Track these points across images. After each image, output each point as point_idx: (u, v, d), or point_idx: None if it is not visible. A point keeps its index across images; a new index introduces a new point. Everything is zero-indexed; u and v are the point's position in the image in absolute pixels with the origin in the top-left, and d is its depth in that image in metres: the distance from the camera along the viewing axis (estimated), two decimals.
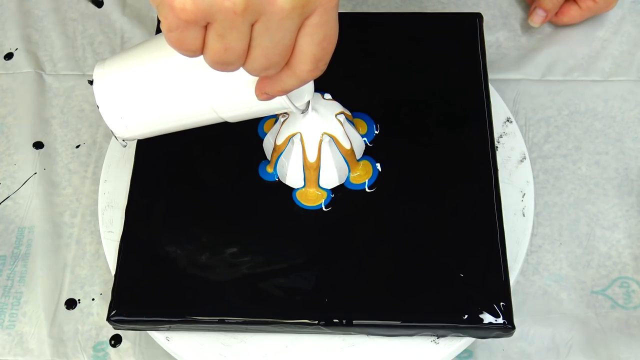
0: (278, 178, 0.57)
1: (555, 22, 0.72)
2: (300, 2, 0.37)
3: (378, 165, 0.57)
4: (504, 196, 0.56)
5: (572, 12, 0.70)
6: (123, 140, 0.49)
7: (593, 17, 0.72)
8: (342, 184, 0.57)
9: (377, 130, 0.59)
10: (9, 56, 0.74)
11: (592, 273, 0.60)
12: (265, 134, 0.58)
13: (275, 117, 0.57)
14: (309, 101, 0.52)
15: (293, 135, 0.54)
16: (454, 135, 0.58)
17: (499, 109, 0.62)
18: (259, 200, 0.57)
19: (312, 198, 0.56)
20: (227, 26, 0.37)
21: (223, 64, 0.39)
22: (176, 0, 0.36)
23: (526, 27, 0.73)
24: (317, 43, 0.39)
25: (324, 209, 0.56)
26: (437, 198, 0.56)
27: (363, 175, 0.57)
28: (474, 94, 0.60)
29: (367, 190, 0.56)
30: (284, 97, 0.44)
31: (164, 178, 0.58)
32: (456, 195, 0.56)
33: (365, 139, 0.58)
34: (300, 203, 0.56)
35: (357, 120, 0.58)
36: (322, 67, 0.41)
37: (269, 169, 0.57)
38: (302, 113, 0.50)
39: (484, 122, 0.58)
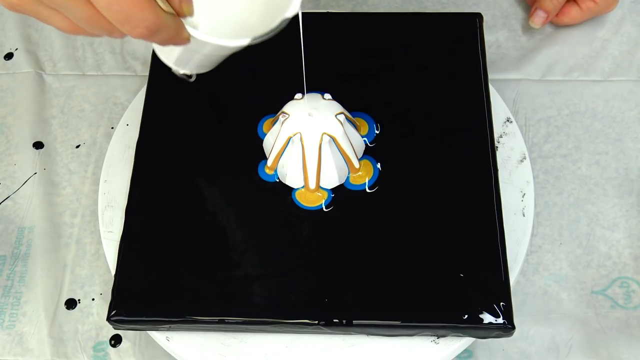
0: (278, 178, 0.57)
1: (556, 23, 0.72)
2: None
3: (379, 165, 0.57)
4: (504, 196, 0.56)
5: (572, 13, 0.70)
6: (188, 77, 0.51)
7: (593, 17, 0.72)
8: (342, 184, 0.57)
9: (377, 130, 0.59)
10: (9, 56, 0.74)
11: (592, 273, 0.60)
12: (265, 134, 0.58)
13: (275, 117, 0.57)
14: (283, 20, 0.45)
15: (293, 135, 0.54)
16: (454, 135, 0.58)
17: (499, 109, 0.62)
18: (258, 201, 0.57)
19: (312, 198, 0.56)
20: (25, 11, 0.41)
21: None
22: None
23: (526, 27, 0.73)
24: (105, 10, 0.39)
25: (324, 209, 0.56)
26: (437, 198, 0.56)
27: (363, 176, 0.57)
28: (474, 94, 0.60)
29: (367, 190, 0.56)
30: (207, 37, 0.43)
31: (164, 178, 0.58)
32: (456, 195, 0.56)
33: (365, 139, 0.58)
34: (300, 203, 0.56)
35: (358, 120, 0.58)
36: (138, 24, 0.39)
37: (269, 170, 0.57)
38: (257, 40, 0.45)
39: (484, 122, 0.58)
